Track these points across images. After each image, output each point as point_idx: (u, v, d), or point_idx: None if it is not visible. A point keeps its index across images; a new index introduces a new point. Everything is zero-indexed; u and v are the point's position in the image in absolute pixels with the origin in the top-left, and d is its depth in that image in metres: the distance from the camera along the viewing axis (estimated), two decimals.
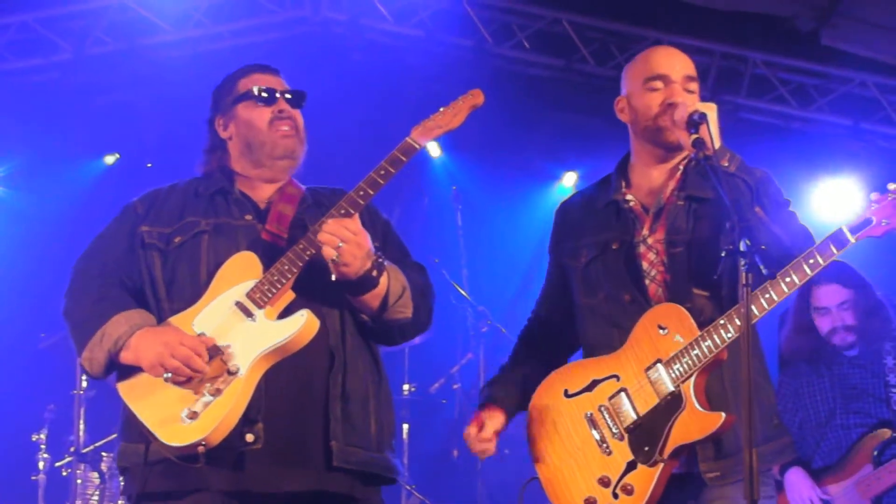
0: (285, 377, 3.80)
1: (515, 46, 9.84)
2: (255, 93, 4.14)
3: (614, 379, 3.99)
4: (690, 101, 4.03)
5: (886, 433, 5.70)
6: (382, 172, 3.88)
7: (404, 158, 3.91)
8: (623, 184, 4.17)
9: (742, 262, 3.36)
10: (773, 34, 9.79)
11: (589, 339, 4.17)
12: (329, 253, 3.72)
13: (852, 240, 3.69)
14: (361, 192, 3.85)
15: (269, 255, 3.89)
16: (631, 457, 3.89)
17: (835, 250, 3.68)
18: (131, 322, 3.83)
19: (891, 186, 3.72)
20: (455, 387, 9.40)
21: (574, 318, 4.24)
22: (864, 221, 3.70)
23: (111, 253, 4.07)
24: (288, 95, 4.18)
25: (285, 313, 3.80)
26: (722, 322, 3.77)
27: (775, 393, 4.14)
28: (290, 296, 3.83)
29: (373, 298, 3.88)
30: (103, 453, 7.57)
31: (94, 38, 9.34)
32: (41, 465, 7.74)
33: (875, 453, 5.69)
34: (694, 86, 4.15)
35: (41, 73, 9.44)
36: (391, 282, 3.90)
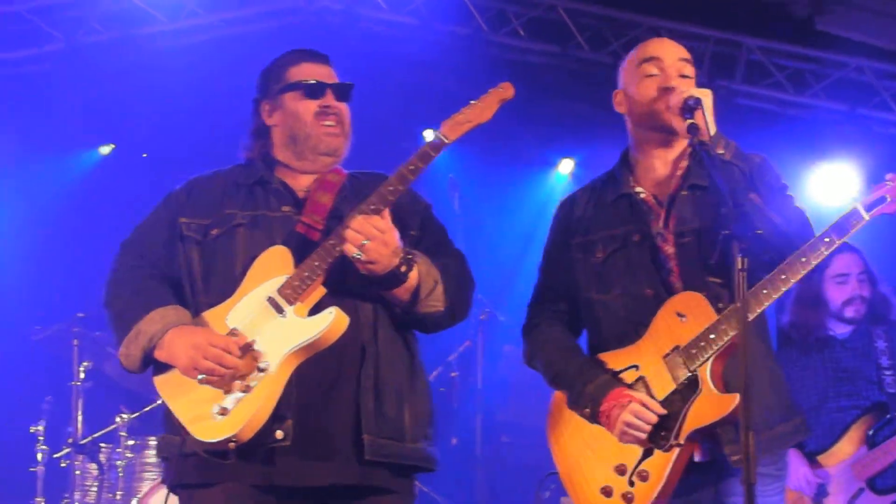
0: (316, 372, 3.80)
1: (511, 34, 9.83)
2: (303, 85, 4.11)
3: (634, 369, 3.98)
4: (686, 86, 4.03)
5: (880, 415, 5.71)
6: (412, 167, 3.85)
7: (433, 153, 3.88)
8: (630, 178, 4.16)
9: (737, 248, 3.36)
10: (768, 20, 9.79)
11: (602, 333, 4.14)
12: (351, 250, 3.72)
13: (866, 217, 3.74)
14: (391, 188, 3.82)
15: (303, 248, 3.88)
16: (648, 443, 3.87)
17: (849, 230, 3.75)
18: (166, 320, 3.85)
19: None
20: (453, 374, 9.40)
21: (579, 311, 4.23)
22: (879, 199, 3.76)
23: (151, 243, 4.09)
24: (335, 89, 4.15)
25: (317, 308, 3.79)
26: (737, 305, 3.66)
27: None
28: (321, 291, 3.82)
29: (403, 292, 3.87)
30: (101, 444, 7.56)
31: (87, 27, 9.31)
32: (39, 456, 7.71)
33: (869, 434, 5.70)
34: (689, 70, 4.15)
35: (34, 63, 9.41)
36: (422, 276, 3.87)
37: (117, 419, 7.46)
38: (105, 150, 10.31)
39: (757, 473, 3.45)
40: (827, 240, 3.74)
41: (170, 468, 3.96)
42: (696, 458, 3.88)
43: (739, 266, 3.35)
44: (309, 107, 4.09)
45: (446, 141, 3.90)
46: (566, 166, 11.05)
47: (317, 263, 3.79)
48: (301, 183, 4.11)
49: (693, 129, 3.72)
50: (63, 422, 7.85)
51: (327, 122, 4.08)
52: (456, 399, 9.37)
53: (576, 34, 9.82)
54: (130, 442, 7.43)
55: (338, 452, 3.81)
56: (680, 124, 3.92)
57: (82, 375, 7.74)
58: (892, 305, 5.98)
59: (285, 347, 3.72)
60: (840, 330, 5.97)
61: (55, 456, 7.78)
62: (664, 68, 4.12)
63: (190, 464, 3.83)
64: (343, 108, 4.15)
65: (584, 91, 9.77)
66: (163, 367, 3.90)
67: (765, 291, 3.77)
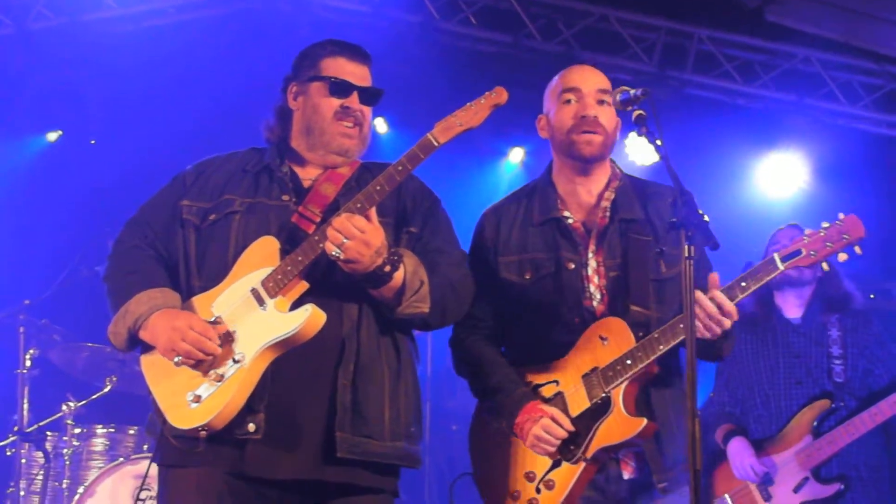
0: (293, 367, 3.81)
1: (462, 22, 9.82)
2: (331, 81, 4.11)
3: (554, 384, 4.18)
4: (602, 113, 4.24)
5: (826, 404, 5.75)
6: (400, 168, 3.84)
7: (423, 155, 3.86)
8: (557, 201, 4.32)
9: (684, 235, 3.44)
10: (718, 10, 9.83)
11: (525, 350, 4.31)
12: (331, 249, 3.71)
13: (781, 267, 3.99)
14: (378, 188, 3.81)
15: (294, 240, 3.90)
16: (557, 454, 4.08)
17: (763, 277, 3.98)
18: (153, 302, 3.91)
19: (824, 224, 4.00)
20: None
21: (503, 325, 4.39)
22: (795, 252, 4.00)
23: (153, 223, 4.13)
24: (363, 92, 4.14)
25: (300, 302, 3.79)
26: (656, 336, 3.98)
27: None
28: (303, 286, 3.83)
29: (387, 291, 3.86)
30: (48, 432, 7.49)
31: (35, 12, 9.22)
32: None
33: (815, 424, 5.74)
34: (608, 98, 4.27)
35: None
36: (408, 276, 3.85)
37: (63, 407, 7.41)
38: (52, 136, 10.20)
39: (678, 493, 4.04)
40: (743, 284, 3.94)
41: (155, 446, 4.00)
42: (626, 476, 4.14)
43: (686, 254, 3.40)
44: (331, 104, 4.10)
45: (437, 143, 3.87)
46: (516, 155, 11.08)
47: (300, 258, 3.79)
48: (310, 173, 4.14)
49: (640, 120, 3.74)
50: (8, 410, 7.79)
51: (345, 123, 4.10)
52: (458, 388, 9.38)
53: (527, 23, 9.82)
54: (77, 430, 7.38)
55: (307, 447, 3.82)
56: (590, 154, 4.22)
57: (28, 363, 7.67)
58: (853, 297, 6.01)
59: (261, 341, 3.74)
60: (794, 313, 6.01)
61: (0, 444, 7.70)
62: (582, 97, 4.28)
63: (170, 444, 3.86)
64: (366, 111, 4.16)
65: (535, 80, 9.64)
66: (149, 348, 3.94)
67: (681, 325, 3.94)
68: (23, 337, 7.73)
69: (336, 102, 4.10)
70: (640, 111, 3.76)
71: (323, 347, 3.82)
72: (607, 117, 4.26)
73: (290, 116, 4.21)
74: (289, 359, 3.78)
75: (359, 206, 3.78)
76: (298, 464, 3.81)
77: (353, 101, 4.11)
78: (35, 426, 7.52)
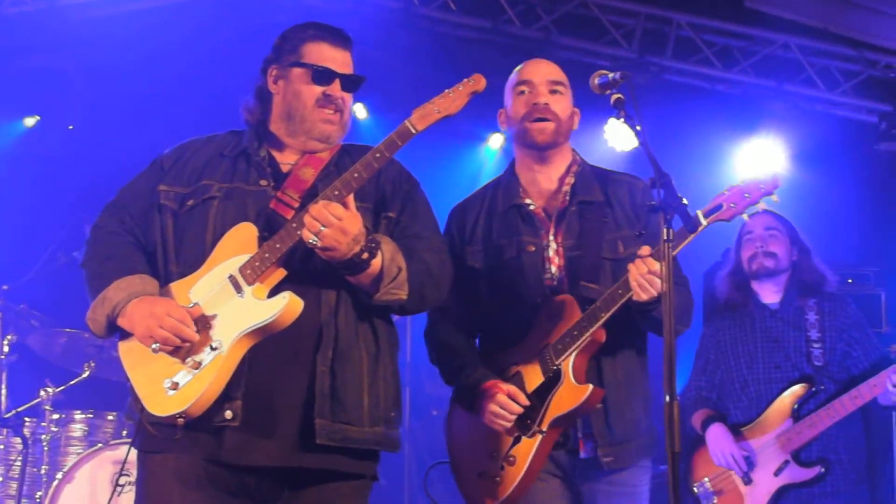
0: (270, 354, 3.80)
1: (441, 7, 9.82)
2: (314, 69, 4.08)
3: (514, 365, 4.35)
4: (555, 102, 4.45)
5: (805, 387, 5.77)
6: (378, 155, 3.82)
7: (400, 142, 3.84)
8: (519, 189, 4.50)
9: (662, 218, 3.48)
10: None
11: (495, 335, 4.50)
12: (308, 237, 3.70)
13: (704, 222, 4.12)
14: (356, 175, 3.79)
15: (273, 226, 3.88)
16: (516, 431, 4.26)
17: (687, 234, 4.05)
18: (131, 289, 3.88)
19: (743, 178, 4.20)
20: None
21: (474, 314, 4.53)
22: (716, 207, 4.16)
23: (132, 207, 4.10)
24: (345, 80, 4.11)
25: (278, 289, 3.78)
26: (598, 305, 4.17)
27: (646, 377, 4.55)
28: (280, 273, 3.81)
29: (365, 278, 3.85)
30: (26, 418, 7.47)
31: None
32: None
33: (795, 407, 5.76)
34: (561, 88, 4.51)
35: None
36: (385, 263, 3.84)
37: (41, 393, 7.39)
38: (30, 121, 10.15)
39: (634, 465, 4.36)
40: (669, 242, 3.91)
41: (135, 431, 3.99)
42: (582, 455, 4.33)
43: (665, 237, 3.42)
44: (313, 91, 4.07)
45: (414, 131, 3.86)
46: (496, 141, 11.07)
47: (278, 245, 3.78)
48: (288, 157, 4.12)
49: (618, 104, 3.76)
50: None
51: (327, 111, 4.07)
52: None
53: (507, 9, 9.81)
54: (55, 416, 7.37)
55: (286, 434, 3.81)
56: (542, 141, 4.41)
57: (6, 349, 7.65)
58: (826, 278, 6.04)
59: (238, 329, 3.72)
60: (771, 300, 6.03)
61: None
62: (534, 87, 4.47)
63: (148, 431, 3.85)
64: (347, 98, 4.13)
65: (514, 66, 9.74)
66: (127, 334, 3.92)
67: (619, 291, 4.16)
68: (0, 322, 7.71)
69: (318, 90, 4.07)
70: (619, 95, 3.77)
71: (300, 334, 3.81)
72: (561, 106, 4.46)
73: (270, 99, 4.18)
74: (266, 346, 3.77)
75: (336, 193, 3.76)
76: (277, 451, 3.80)
77: (335, 88, 4.08)
78: (13, 412, 7.49)
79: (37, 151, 9.84)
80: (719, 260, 6.51)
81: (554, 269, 4.37)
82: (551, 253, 4.38)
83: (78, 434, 7.35)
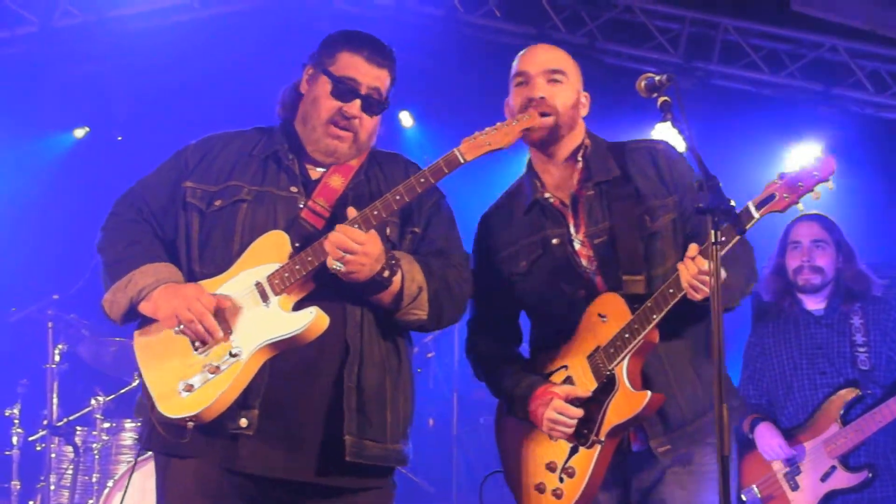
0: (292, 366, 3.78)
1: (486, 15, 9.82)
2: (338, 81, 3.97)
3: (564, 369, 4.16)
4: (552, 93, 4.17)
5: (852, 392, 5.73)
6: (422, 180, 3.80)
7: (447, 170, 3.81)
8: (538, 184, 4.29)
9: (711, 220, 3.41)
10: (744, 0, 9.79)
11: (540, 338, 4.34)
12: (332, 264, 3.69)
13: (756, 215, 3.89)
14: (398, 197, 3.77)
15: (303, 234, 3.85)
16: (573, 441, 4.06)
17: (737, 228, 3.83)
18: (159, 275, 3.86)
19: (796, 168, 3.94)
20: (429, 355, 9.43)
21: (514, 322, 4.40)
22: (769, 197, 3.92)
23: (151, 200, 4.06)
24: (367, 101, 4.00)
25: (304, 302, 3.77)
26: (649, 305, 3.94)
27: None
28: (309, 286, 3.80)
29: (386, 296, 3.84)
30: (77, 427, 7.55)
31: (62, 10, 9.25)
32: (15, 440, 7.70)
33: (841, 412, 5.72)
34: (560, 76, 4.22)
35: (8, 46, 9.33)
36: (405, 282, 3.82)
37: (92, 402, 7.45)
38: (79, 133, 10.28)
39: (700, 443, 4.03)
40: (723, 239, 3.76)
41: (144, 428, 3.97)
42: (634, 449, 4.11)
43: (713, 239, 3.38)
44: (329, 105, 3.97)
45: (462, 160, 3.82)
46: None
47: (310, 258, 3.75)
48: (315, 161, 4.06)
49: (665, 107, 3.72)
50: (38, 405, 7.83)
51: (338, 130, 3.98)
52: (432, 380, 9.39)
53: (552, 15, 9.81)
54: (106, 424, 7.41)
55: (309, 449, 3.80)
56: (538, 137, 4.14)
57: (57, 358, 7.73)
58: (871, 282, 5.98)
59: (260, 339, 3.71)
60: (815, 306, 5.98)
61: (31, 439, 7.76)
62: (530, 78, 4.22)
63: (157, 430, 3.82)
64: (367, 120, 4.01)
65: None
66: (145, 325, 3.91)
67: (671, 291, 3.92)
68: (51, 332, 7.80)
69: (335, 104, 3.97)
70: (665, 97, 3.74)
71: (324, 348, 3.79)
72: (561, 96, 4.18)
73: (299, 99, 4.12)
74: (287, 357, 3.75)
75: (375, 213, 3.75)
76: (300, 465, 3.78)
77: (353, 107, 3.97)
78: (64, 420, 7.58)
79: (86, 162, 9.94)
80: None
81: (584, 259, 4.16)
82: (577, 244, 4.18)
83: (128, 442, 7.39)
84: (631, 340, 3.96)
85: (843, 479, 5.67)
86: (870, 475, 5.64)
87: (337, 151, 4.01)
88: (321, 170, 4.04)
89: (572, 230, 4.19)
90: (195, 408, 3.67)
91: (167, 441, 3.78)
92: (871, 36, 9.80)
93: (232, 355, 3.71)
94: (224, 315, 3.77)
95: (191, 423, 3.68)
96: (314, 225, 3.90)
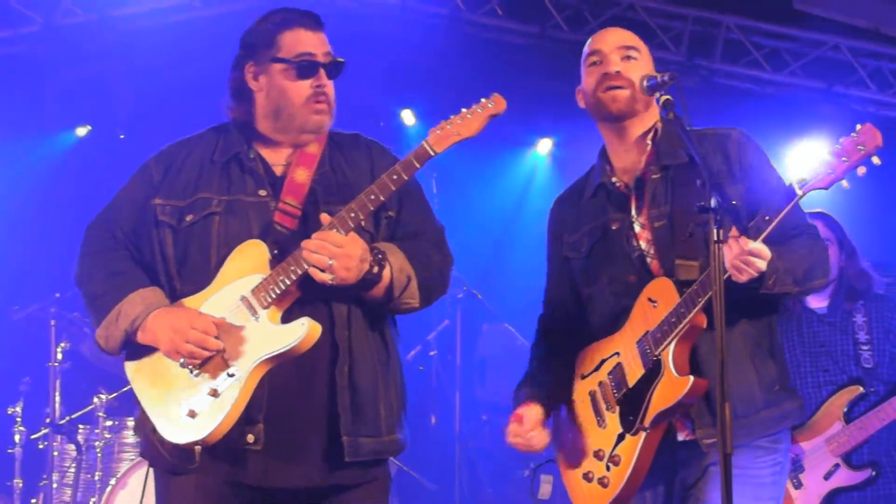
0: (289, 375, 3.76)
1: (489, 13, 9.82)
2: (296, 64, 3.94)
3: (616, 356, 4.10)
4: (629, 67, 4.12)
5: (856, 390, 5.72)
6: (395, 177, 3.76)
7: (418, 164, 3.79)
8: (608, 168, 4.23)
9: (713, 219, 3.39)
10: None
11: (593, 325, 4.24)
12: (320, 277, 3.67)
13: (800, 192, 3.77)
14: (372, 196, 3.74)
15: (280, 239, 3.82)
16: (620, 428, 4.01)
17: (783, 207, 3.74)
18: (146, 302, 3.81)
19: (840, 140, 3.85)
20: (432, 353, 9.43)
21: (583, 307, 4.31)
22: (812, 176, 3.81)
23: (124, 223, 4.01)
24: (328, 68, 3.98)
25: (290, 310, 3.75)
26: (695, 288, 3.83)
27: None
28: (294, 295, 3.77)
29: (378, 290, 3.83)
30: (80, 425, 7.56)
31: (64, 9, 9.25)
32: (17, 438, 7.71)
33: (844, 410, 5.72)
34: (634, 53, 4.19)
35: (11, 44, 9.34)
36: (394, 272, 3.82)
37: (95, 400, 7.46)
38: (82, 131, 10.28)
39: (745, 445, 3.84)
40: (767, 218, 3.73)
41: (145, 444, 3.95)
42: (680, 438, 4.00)
43: (714, 238, 3.37)
44: (301, 89, 3.94)
45: (432, 153, 3.81)
46: (544, 146, 11.07)
47: (292, 268, 3.72)
48: (279, 156, 4.02)
49: (668, 105, 3.72)
50: (41, 403, 7.84)
51: (319, 105, 3.96)
52: (435, 377, 9.39)
53: (554, 14, 9.81)
54: (108, 423, 7.42)
55: (313, 454, 3.80)
56: (617, 109, 4.06)
57: (60, 356, 7.73)
58: (873, 280, 5.99)
59: (255, 356, 3.69)
60: (818, 304, 5.99)
61: (33, 437, 7.77)
62: (604, 56, 4.18)
63: (162, 454, 3.82)
64: (330, 85, 4.01)
65: (562, 71, 9.72)
66: (136, 353, 3.88)
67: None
68: (54, 330, 7.80)
69: (305, 86, 3.93)
70: (668, 96, 3.74)
71: (315, 351, 3.75)
72: (636, 71, 4.12)
73: (251, 97, 4.05)
74: (283, 367, 3.73)
75: (353, 215, 3.72)
76: (304, 471, 3.79)
77: (321, 78, 3.96)
78: (67, 419, 7.59)
79: (89, 160, 9.94)
80: None
81: (643, 244, 4.07)
82: (638, 228, 4.09)
83: (131, 440, 7.38)
84: (677, 325, 3.86)
85: (846, 477, 5.67)
86: (873, 473, 5.63)
87: (323, 125, 4.00)
88: (283, 165, 3.99)
89: (634, 213, 4.12)
90: (201, 433, 3.64)
91: (172, 462, 3.79)
92: (873, 34, 9.81)
93: (229, 376, 3.68)
94: (221, 322, 3.75)
95: (198, 448, 3.67)
96: (288, 227, 3.87)
